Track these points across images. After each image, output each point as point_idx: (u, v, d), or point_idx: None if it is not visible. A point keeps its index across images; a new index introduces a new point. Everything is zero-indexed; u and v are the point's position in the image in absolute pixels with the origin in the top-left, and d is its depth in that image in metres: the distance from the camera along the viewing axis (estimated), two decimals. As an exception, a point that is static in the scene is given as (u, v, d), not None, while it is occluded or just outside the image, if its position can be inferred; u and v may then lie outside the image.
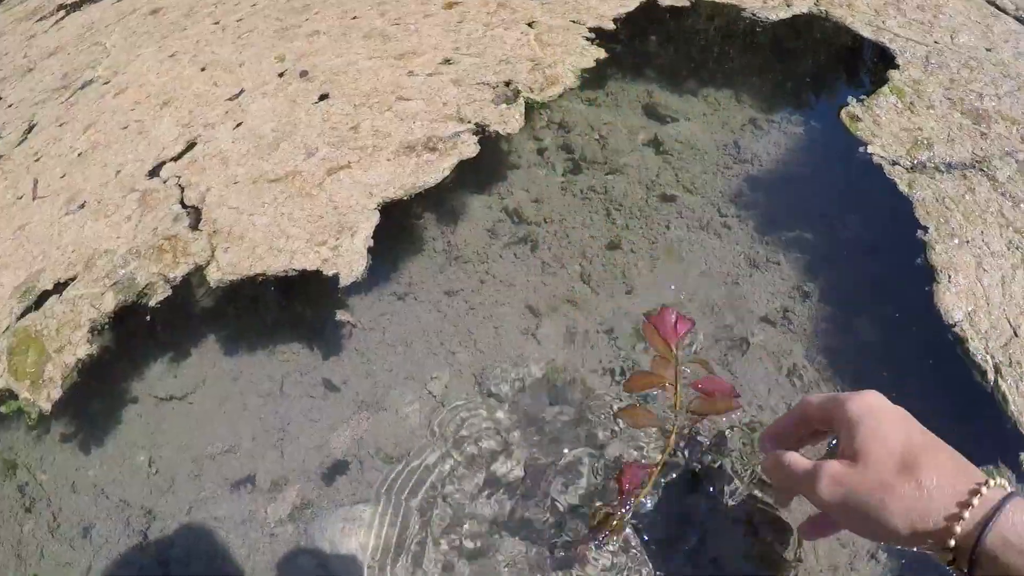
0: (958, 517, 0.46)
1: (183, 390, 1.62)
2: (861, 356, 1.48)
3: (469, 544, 1.31)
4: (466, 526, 1.33)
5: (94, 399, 1.65)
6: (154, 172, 2.00)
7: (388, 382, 1.55)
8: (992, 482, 0.48)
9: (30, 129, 2.49)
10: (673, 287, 1.65)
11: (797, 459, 0.56)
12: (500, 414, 1.48)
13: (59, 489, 1.52)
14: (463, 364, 1.56)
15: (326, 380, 1.56)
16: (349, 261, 1.56)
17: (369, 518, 1.38)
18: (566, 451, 1.40)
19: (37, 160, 2.31)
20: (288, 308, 1.71)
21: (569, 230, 1.76)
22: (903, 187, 1.71)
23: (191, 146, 2.04)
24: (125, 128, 2.27)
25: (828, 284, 1.61)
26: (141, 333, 1.71)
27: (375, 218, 1.65)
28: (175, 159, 2.02)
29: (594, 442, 1.41)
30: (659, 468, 0.74)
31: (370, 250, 1.61)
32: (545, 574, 1.26)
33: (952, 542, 0.48)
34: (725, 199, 1.83)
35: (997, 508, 0.46)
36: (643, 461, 1.32)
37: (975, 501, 0.46)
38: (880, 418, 0.54)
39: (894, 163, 1.78)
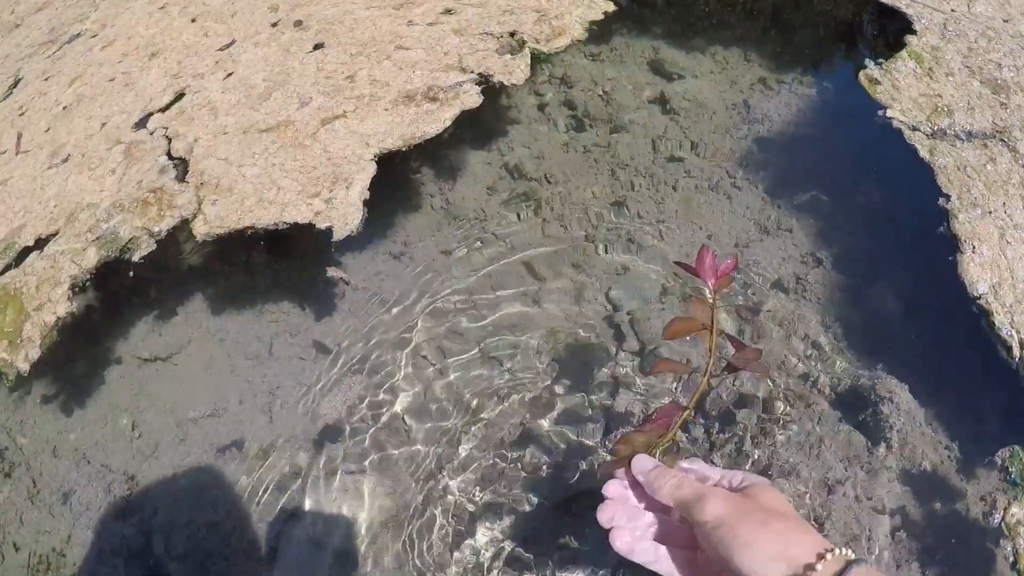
0: (812, 567, 0.49)
1: (168, 351, 1.45)
2: (878, 326, 1.33)
3: (470, 513, 1.17)
4: (465, 494, 1.19)
5: (77, 359, 1.48)
6: (140, 124, 1.80)
7: (381, 344, 1.39)
8: (843, 550, 0.50)
9: (15, 84, 2.27)
10: (681, 249, 1.48)
11: (693, 481, 0.58)
12: (500, 378, 1.32)
13: (39, 454, 1.37)
14: (462, 327, 1.40)
15: (317, 342, 1.40)
16: (344, 213, 1.38)
17: (362, 487, 1.23)
18: (568, 413, 1.25)
19: (22, 114, 2.10)
20: (278, 266, 1.53)
21: (572, 189, 1.58)
22: (924, 153, 1.53)
23: (179, 97, 1.83)
24: (112, 80, 2.05)
25: (843, 251, 1.45)
26: (125, 291, 1.54)
27: (371, 169, 1.46)
28: (162, 110, 1.81)
29: (598, 405, 1.26)
30: (688, 410, 0.65)
31: (365, 203, 1.43)
32: (540, 542, 1.12)
33: None
34: (735, 160, 1.65)
35: (845, 567, 0.49)
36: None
37: (829, 556, 0.49)
38: (768, 485, 0.57)
39: (914, 128, 1.60)
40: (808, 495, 1.09)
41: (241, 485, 1.26)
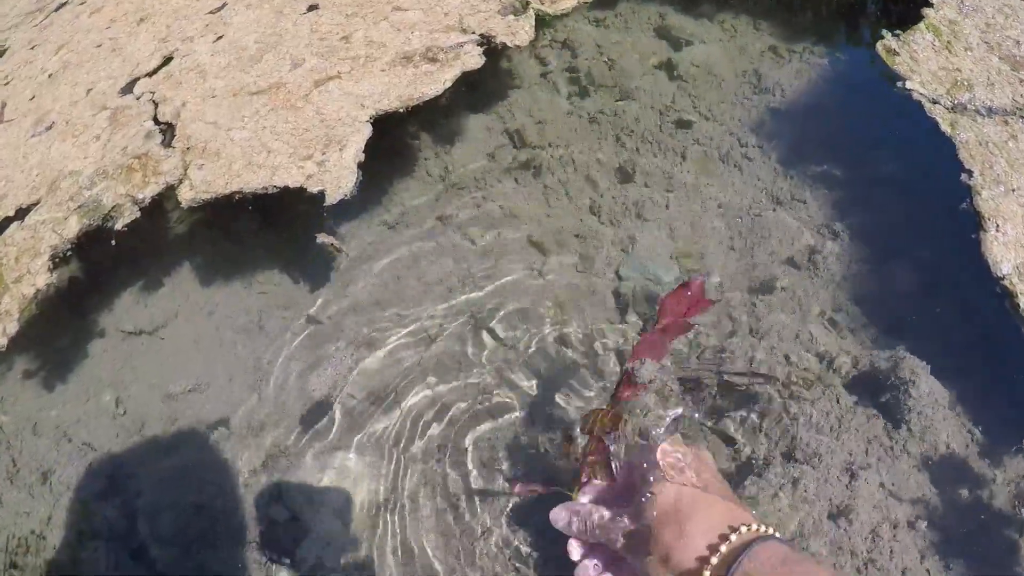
0: (707, 560, 0.47)
1: (153, 324, 1.33)
2: (896, 305, 1.21)
3: (465, 495, 1.06)
4: (461, 477, 1.08)
5: (60, 333, 1.36)
6: (127, 89, 1.65)
7: (376, 318, 1.27)
8: (747, 528, 0.48)
9: (1, 54, 2.11)
10: (690, 222, 1.35)
11: (605, 515, 0.58)
12: (499, 353, 1.20)
13: (20, 431, 1.25)
14: (459, 299, 1.28)
15: (308, 314, 1.28)
16: (337, 177, 1.24)
17: (354, 468, 1.12)
18: (572, 394, 1.14)
19: (7, 84, 1.95)
20: (269, 235, 1.40)
21: (576, 156, 1.44)
22: (945, 127, 1.39)
23: (167, 61, 1.68)
24: (99, 46, 1.89)
25: (859, 225, 1.32)
26: (111, 262, 1.42)
27: (367, 131, 1.32)
28: (150, 75, 1.66)
29: (604, 381, 1.15)
30: (576, 487, 0.71)
31: (360, 166, 1.29)
32: (539, 531, 1.01)
33: None
34: (745, 129, 1.51)
35: (744, 549, 0.46)
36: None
37: (723, 547, 0.47)
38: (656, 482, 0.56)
39: (934, 101, 1.46)
40: (829, 482, 0.98)
41: (228, 465, 1.15)
